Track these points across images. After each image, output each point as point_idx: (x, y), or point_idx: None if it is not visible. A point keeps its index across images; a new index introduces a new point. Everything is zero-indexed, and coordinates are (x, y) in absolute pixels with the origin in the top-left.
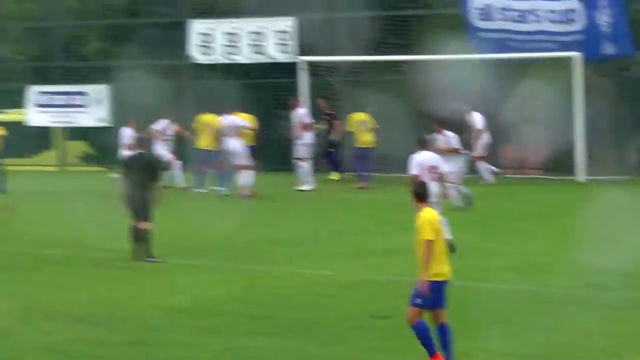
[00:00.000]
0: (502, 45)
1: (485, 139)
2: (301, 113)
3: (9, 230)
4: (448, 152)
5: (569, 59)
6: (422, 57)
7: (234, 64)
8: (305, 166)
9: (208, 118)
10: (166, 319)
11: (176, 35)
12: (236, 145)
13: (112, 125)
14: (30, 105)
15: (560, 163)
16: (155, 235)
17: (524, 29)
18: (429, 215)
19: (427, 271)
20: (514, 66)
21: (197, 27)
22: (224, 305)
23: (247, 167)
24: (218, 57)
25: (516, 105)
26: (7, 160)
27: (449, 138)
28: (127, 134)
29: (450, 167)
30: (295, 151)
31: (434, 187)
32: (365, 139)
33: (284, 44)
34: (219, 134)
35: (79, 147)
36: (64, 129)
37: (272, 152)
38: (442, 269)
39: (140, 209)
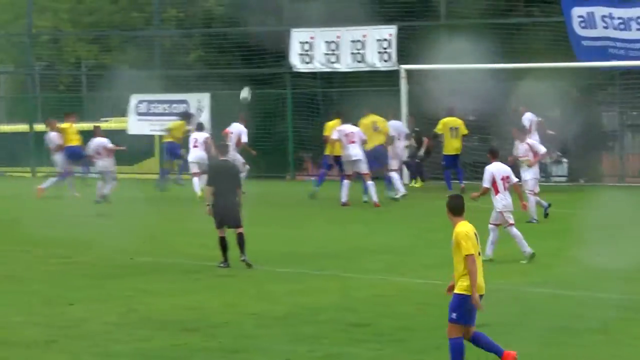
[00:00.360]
0: (605, 53)
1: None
2: (395, 125)
3: (105, 237)
4: (527, 161)
5: None
6: (526, 65)
7: (334, 72)
8: (395, 175)
9: (333, 125)
10: (262, 326)
11: (277, 43)
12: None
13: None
14: (131, 113)
15: None
16: (251, 243)
17: (626, 37)
18: (464, 229)
19: (474, 286)
20: (615, 74)
21: (299, 36)
22: (321, 313)
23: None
24: (318, 65)
25: (619, 113)
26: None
27: (530, 146)
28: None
29: (526, 175)
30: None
31: (508, 198)
32: (455, 145)
33: (384, 52)
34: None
35: None
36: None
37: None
38: (479, 281)
39: (228, 216)
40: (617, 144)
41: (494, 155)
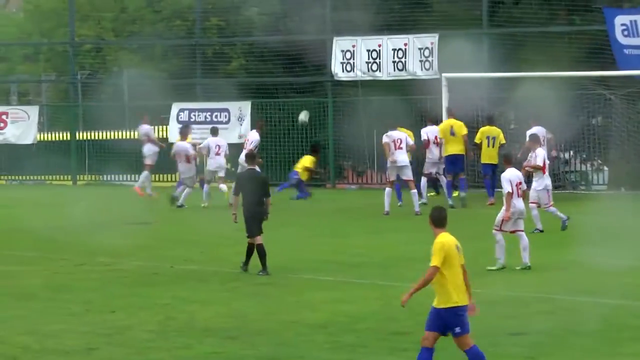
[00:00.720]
0: None
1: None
2: (429, 131)
3: (147, 244)
4: (535, 169)
5: None
6: (567, 73)
7: (375, 81)
8: (423, 181)
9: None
10: (302, 335)
11: (319, 52)
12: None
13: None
14: (172, 122)
15: None
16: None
17: None
18: (442, 239)
19: (416, 291)
20: None
21: (340, 44)
22: (361, 321)
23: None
24: (359, 73)
25: None
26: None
27: (537, 156)
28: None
29: (536, 185)
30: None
31: (521, 204)
32: (492, 154)
33: (426, 61)
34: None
35: None
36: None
37: None
38: (456, 295)
39: (254, 225)
40: None
41: (508, 161)
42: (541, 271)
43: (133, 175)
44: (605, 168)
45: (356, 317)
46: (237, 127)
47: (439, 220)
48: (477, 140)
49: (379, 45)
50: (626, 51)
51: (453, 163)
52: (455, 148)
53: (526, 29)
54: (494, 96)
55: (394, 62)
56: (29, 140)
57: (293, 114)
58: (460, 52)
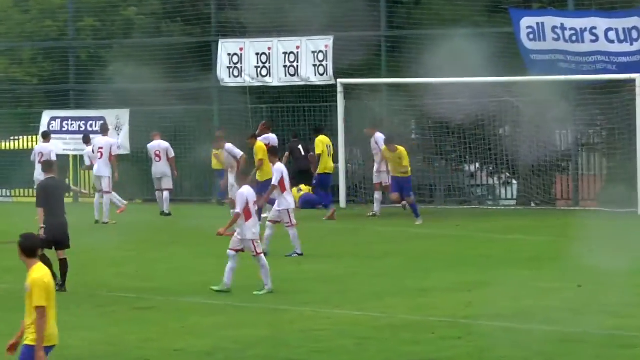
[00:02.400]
0: (555, 67)
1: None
2: (376, 138)
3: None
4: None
5: (631, 81)
6: (472, 79)
7: (265, 87)
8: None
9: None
10: None
11: (203, 55)
12: None
13: (128, 152)
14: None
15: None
16: (177, 272)
17: (579, 50)
18: (40, 274)
19: (41, 341)
20: (568, 89)
21: (226, 47)
22: (251, 348)
23: None
24: (248, 79)
25: (574, 132)
26: None
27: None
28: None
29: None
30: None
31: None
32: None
33: (320, 65)
34: None
35: None
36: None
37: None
38: (53, 331)
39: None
40: (572, 164)
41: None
42: (442, 292)
43: (2, 190)
44: (514, 182)
45: (245, 343)
46: (115, 136)
47: (31, 249)
48: (318, 151)
49: (269, 49)
50: (532, 56)
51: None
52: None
53: (428, 31)
54: (394, 104)
55: (285, 66)
56: None
57: (178, 124)
58: (356, 56)
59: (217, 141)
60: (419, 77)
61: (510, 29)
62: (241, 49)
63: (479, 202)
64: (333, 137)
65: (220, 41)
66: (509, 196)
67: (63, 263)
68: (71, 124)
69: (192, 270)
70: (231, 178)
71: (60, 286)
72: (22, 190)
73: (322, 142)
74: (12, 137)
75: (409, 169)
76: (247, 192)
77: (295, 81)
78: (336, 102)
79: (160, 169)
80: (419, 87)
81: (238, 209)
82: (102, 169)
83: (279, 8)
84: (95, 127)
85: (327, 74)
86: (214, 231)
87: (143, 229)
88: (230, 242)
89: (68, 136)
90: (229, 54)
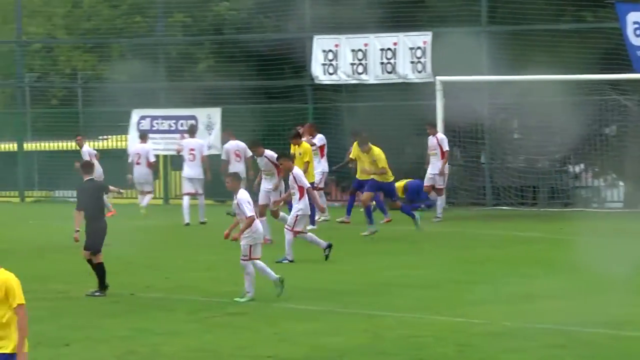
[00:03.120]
0: None
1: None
2: (440, 139)
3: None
4: None
5: None
6: (577, 76)
7: (361, 85)
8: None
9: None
10: None
11: (298, 52)
12: None
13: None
14: (133, 130)
15: None
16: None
17: None
18: (6, 274)
19: (24, 343)
20: None
21: (321, 44)
22: (347, 355)
23: None
24: (343, 76)
25: None
26: None
27: None
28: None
29: None
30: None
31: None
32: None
33: (418, 62)
34: None
35: None
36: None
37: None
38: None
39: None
40: None
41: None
42: (547, 299)
43: None
44: (621, 184)
45: (340, 350)
46: (206, 136)
47: None
48: (352, 156)
49: (365, 45)
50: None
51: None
52: None
53: (530, 27)
54: (494, 102)
55: (382, 63)
56: None
57: (272, 122)
58: (456, 52)
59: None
60: (520, 74)
61: (617, 24)
62: (336, 46)
63: (583, 205)
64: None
65: (315, 37)
66: (615, 198)
67: (100, 267)
68: (161, 123)
69: (284, 275)
70: (266, 184)
71: (102, 290)
72: None
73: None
74: (100, 137)
75: (389, 172)
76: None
77: (393, 79)
78: (435, 100)
79: (240, 168)
80: (521, 84)
81: (251, 213)
82: (195, 170)
83: (375, 3)
84: (186, 126)
85: (425, 71)
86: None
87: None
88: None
89: (158, 135)
90: (323, 51)
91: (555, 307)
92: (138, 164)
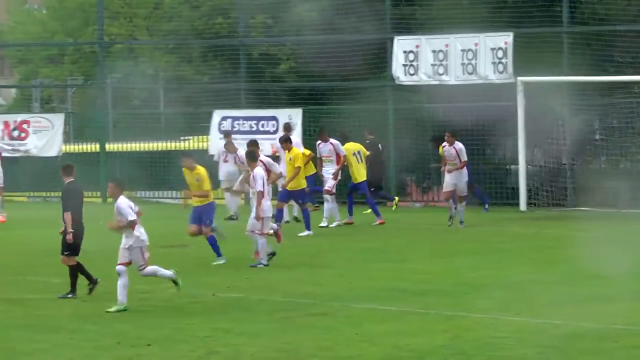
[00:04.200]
0: None
1: None
2: (459, 149)
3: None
4: None
5: None
6: None
7: (441, 86)
8: None
9: None
10: None
11: (378, 53)
12: None
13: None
14: (214, 131)
15: None
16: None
17: None
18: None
19: None
20: None
21: (402, 45)
22: (427, 356)
23: None
24: (424, 77)
25: None
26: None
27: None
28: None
29: None
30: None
31: None
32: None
33: (499, 63)
34: None
35: None
36: None
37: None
38: None
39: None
40: None
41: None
42: (628, 301)
43: (169, 192)
44: None
45: (421, 351)
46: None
47: None
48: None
49: (446, 46)
50: None
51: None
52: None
53: (613, 27)
54: (576, 103)
55: (462, 64)
56: (53, 152)
57: (349, 122)
58: (537, 53)
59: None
60: (602, 75)
61: None
62: (417, 46)
63: None
64: (513, 136)
65: (396, 38)
66: None
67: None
68: (242, 124)
69: (364, 276)
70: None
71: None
72: None
73: (348, 149)
74: (181, 137)
75: (210, 194)
76: None
77: (473, 79)
78: (516, 101)
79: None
80: (602, 85)
81: (132, 217)
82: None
83: (456, 3)
84: (267, 127)
85: (506, 72)
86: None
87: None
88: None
89: (239, 136)
90: (404, 52)
91: (634, 308)
92: (225, 161)
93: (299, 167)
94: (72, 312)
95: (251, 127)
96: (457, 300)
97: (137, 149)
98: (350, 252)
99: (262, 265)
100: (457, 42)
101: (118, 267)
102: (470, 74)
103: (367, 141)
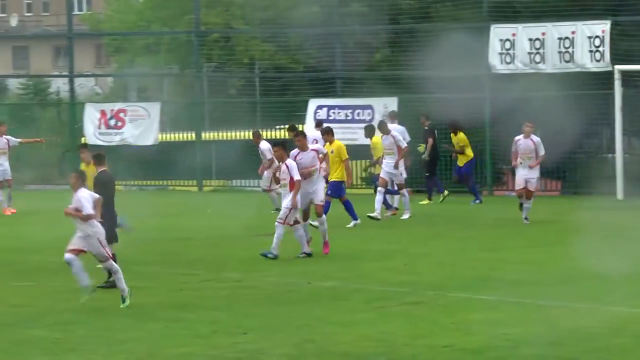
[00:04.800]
0: None
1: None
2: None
3: (281, 259)
4: None
5: None
6: None
7: (538, 74)
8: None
9: None
10: None
11: (474, 42)
12: None
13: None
14: (309, 120)
15: None
16: (445, 267)
17: None
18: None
19: None
20: None
21: (498, 33)
22: (522, 346)
23: None
24: (520, 66)
25: None
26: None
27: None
28: None
29: None
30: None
31: None
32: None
33: (596, 51)
34: None
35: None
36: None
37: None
38: None
39: None
40: None
41: None
42: None
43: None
44: None
45: (516, 341)
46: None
47: None
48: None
49: (543, 34)
50: None
51: None
52: None
53: None
54: None
55: (559, 52)
56: (149, 141)
57: (446, 111)
58: (635, 41)
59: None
60: None
61: None
62: (514, 35)
63: None
64: (610, 126)
65: (492, 26)
66: None
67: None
68: (338, 113)
69: (460, 265)
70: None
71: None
72: None
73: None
74: (277, 126)
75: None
76: None
77: (570, 68)
78: (613, 89)
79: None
80: None
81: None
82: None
83: None
84: (362, 115)
85: (603, 60)
86: (481, 222)
87: (406, 222)
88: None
89: (335, 125)
90: (500, 40)
91: None
92: None
93: (347, 159)
94: (168, 300)
95: (347, 115)
96: (552, 290)
97: (233, 138)
98: (447, 240)
99: (272, 255)
100: (553, 30)
101: (67, 256)
102: (567, 62)
103: (426, 128)
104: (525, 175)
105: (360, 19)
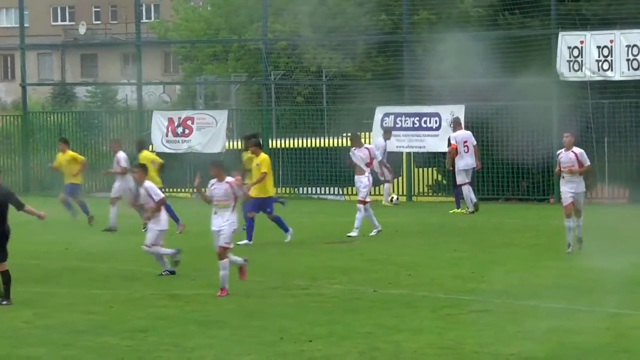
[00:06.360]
0: None
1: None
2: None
3: (346, 265)
4: None
5: None
6: None
7: (606, 81)
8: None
9: None
10: None
11: (542, 49)
12: None
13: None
14: (376, 127)
15: None
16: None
17: None
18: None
19: None
20: None
21: (567, 40)
22: (591, 354)
23: None
24: (589, 73)
25: None
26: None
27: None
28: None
29: None
30: None
31: None
32: None
33: None
34: None
35: (429, 175)
36: (412, 154)
37: None
38: None
39: None
40: None
41: None
42: None
43: (333, 189)
44: None
45: (584, 349)
46: (449, 133)
47: None
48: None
49: (611, 41)
50: None
51: None
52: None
53: None
54: None
55: (627, 60)
56: (216, 148)
57: (514, 119)
58: None
59: None
60: None
61: None
62: (582, 42)
63: None
64: None
65: (560, 34)
66: None
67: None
68: (405, 120)
69: (528, 272)
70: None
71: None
72: (351, 189)
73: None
74: (344, 134)
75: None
76: None
77: (638, 75)
78: None
79: (469, 160)
80: None
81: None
82: (469, 161)
83: None
84: (430, 123)
85: None
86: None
87: (474, 229)
88: None
89: (402, 132)
90: (569, 47)
91: None
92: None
93: (265, 173)
94: (236, 308)
95: (414, 123)
96: (622, 298)
97: (300, 145)
98: (514, 248)
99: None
100: (622, 38)
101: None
102: (635, 69)
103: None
104: (570, 190)
105: (428, 26)
